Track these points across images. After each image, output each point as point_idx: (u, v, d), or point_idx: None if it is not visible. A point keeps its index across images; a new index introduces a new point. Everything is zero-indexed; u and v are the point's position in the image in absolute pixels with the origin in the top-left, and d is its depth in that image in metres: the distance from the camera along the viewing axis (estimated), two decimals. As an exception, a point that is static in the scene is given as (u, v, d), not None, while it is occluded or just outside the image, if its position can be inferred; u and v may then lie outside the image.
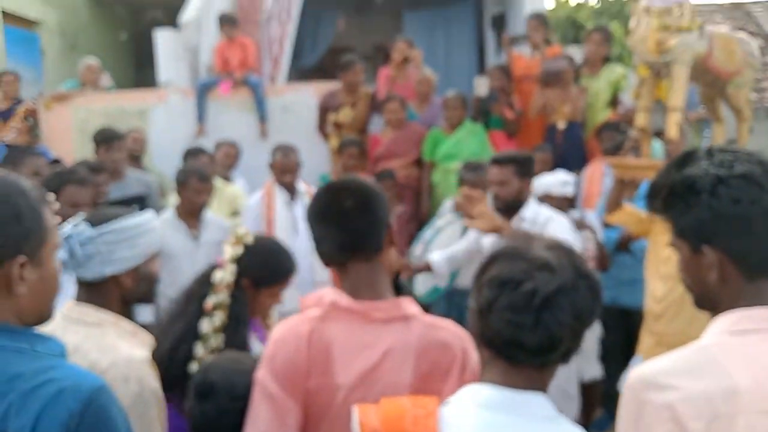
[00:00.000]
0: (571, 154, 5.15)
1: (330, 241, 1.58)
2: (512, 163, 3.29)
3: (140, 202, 4.47)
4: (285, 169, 4.34)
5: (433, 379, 1.48)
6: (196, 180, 3.94)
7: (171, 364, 2.02)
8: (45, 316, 1.32)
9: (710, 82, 3.75)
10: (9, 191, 1.23)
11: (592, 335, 3.99)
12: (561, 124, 5.25)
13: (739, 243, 1.23)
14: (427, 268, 3.63)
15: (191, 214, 4.02)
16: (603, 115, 5.30)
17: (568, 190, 3.95)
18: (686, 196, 1.27)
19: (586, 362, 3.96)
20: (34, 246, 1.25)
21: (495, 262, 1.24)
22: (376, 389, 1.45)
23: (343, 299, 1.53)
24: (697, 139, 5.87)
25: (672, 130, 3.47)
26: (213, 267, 2.24)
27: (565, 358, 1.22)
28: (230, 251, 2.20)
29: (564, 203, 3.95)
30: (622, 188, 3.53)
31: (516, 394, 1.20)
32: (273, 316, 2.38)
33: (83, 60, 6.98)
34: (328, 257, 1.61)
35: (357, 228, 1.56)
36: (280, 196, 4.36)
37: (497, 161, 3.34)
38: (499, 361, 1.22)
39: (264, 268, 2.20)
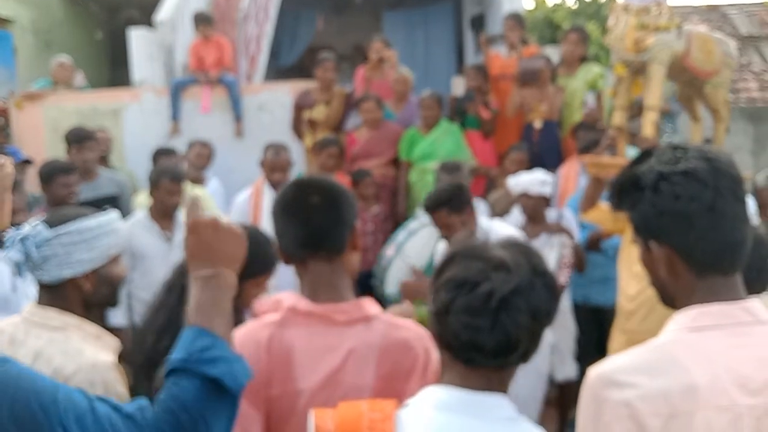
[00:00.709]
0: (547, 153, 5.15)
1: (292, 236, 1.55)
2: (443, 206, 3.24)
3: (112, 202, 4.40)
4: (275, 167, 4.32)
5: (395, 380, 1.46)
6: (168, 181, 3.88)
7: (157, 356, 1.97)
8: None
9: (688, 81, 3.75)
10: None
11: (568, 334, 3.99)
12: (537, 124, 5.25)
13: (682, 239, 1.22)
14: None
15: (164, 215, 3.97)
16: (579, 114, 5.31)
17: (546, 190, 3.92)
18: (632, 192, 1.27)
19: (561, 362, 3.96)
20: None
21: (452, 262, 1.22)
22: (338, 392, 1.41)
23: (302, 303, 1.49)
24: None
25: (647, 129, 3.47)
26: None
27: (524, 358, 1.20)
28: None
29: (542, 203, 3.93)
30: (598, 186, 3.53)
31: (473, 396, 1.18)
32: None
33: (55, 58, 6.87)
34: (288, 253, 1.57)
35: (320, 225, 1.52)
36: (268, 194, 4.33)
37: (429, 209, 3.29)
38: (457, 363, 1.20)
39: (247, 259, 2.13)
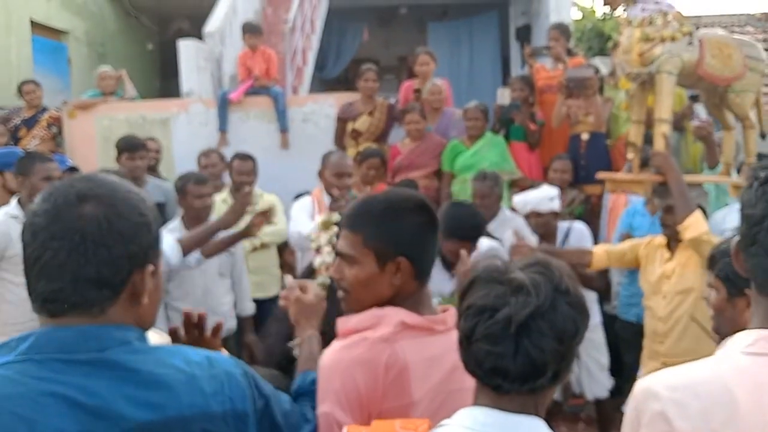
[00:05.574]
0: (594, 165, 5.04)
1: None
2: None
3: (159, 209, 4.46)
4: (344, 171, 4.02)
5: None
6: (193, 185, 3.77)
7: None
8: (152, 325, 1.27)
9: (708, 89, 3.63)
10: (138, 199, 1.18)
11: (597, 352, 3.90)
12: (585, 135, 5.16)
13: None
14: None
15: (197, 221, 3.80)
16: (626, 127, 5.19)
17: (555, 205, 3.83)
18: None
19: (590, 380, 3.87)
20: (156, 254, 1.21)
21: (473, 287, 1.20)
22: (447, 399, 1.47)
23: (411, 317, 1.51)
24: None
25: (659, 143, 3.34)
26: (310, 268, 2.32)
27: (555, 380, 1.16)
28: (324, 238, 2.33)
29: (552, 218, 3.84)
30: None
31: (509, 417, 1.15)
32: None
33: (99, 68, 7.03)
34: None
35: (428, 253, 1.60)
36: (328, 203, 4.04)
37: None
38: (487, 388, 1.18)
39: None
